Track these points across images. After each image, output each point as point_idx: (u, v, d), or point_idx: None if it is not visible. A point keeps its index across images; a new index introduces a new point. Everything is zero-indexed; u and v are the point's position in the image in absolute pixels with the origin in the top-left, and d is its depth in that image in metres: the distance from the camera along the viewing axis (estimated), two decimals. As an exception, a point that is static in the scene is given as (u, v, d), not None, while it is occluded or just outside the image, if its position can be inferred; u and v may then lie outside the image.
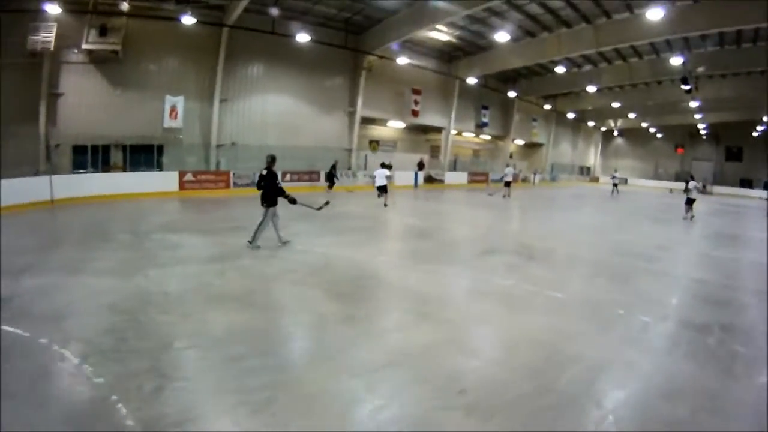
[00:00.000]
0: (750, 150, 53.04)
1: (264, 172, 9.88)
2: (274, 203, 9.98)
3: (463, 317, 6.54)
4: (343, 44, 26.34)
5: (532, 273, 9.15)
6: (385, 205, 19.16)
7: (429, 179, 32.08)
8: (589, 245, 13.07)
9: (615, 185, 37.51)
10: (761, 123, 46.01)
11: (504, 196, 26.05)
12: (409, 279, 8.29)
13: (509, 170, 27.90)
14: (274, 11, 23.07)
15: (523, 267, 9.75)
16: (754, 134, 49.93)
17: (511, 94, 37.55)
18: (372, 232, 13.66)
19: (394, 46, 27.16)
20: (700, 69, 28.54)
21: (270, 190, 9.88)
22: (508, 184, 27.06)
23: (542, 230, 15.84)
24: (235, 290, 7.17)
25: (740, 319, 6.98)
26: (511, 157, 44.13)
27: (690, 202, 20.27)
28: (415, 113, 32.66)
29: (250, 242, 10.03)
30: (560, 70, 31.71)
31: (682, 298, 8.30)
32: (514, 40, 27.60)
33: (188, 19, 19.76)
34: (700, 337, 6.14)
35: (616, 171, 42.53)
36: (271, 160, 9.98)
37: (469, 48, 30.96)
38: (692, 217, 20.29)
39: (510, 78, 38.28)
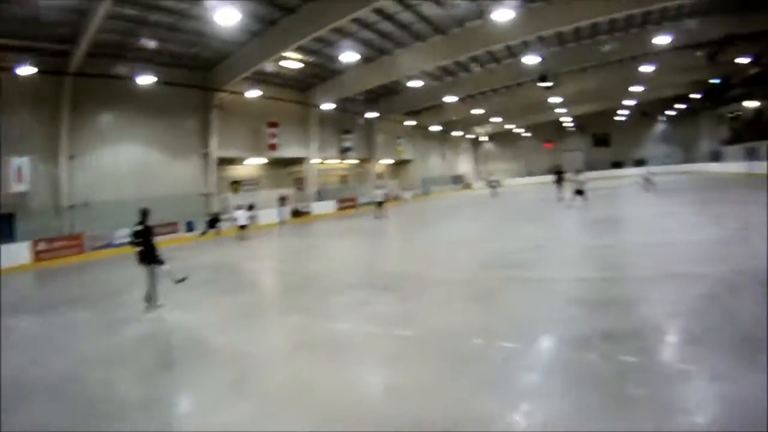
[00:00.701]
0: (616, 135, 63.63)
1: (138, 228, 9.52)
2: (154, 260, 9.54)
3: (276, 385, 5.75)
4: (191, 83, 26.59)
5: (380, 310, 8.50)
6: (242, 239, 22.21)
7: (296, 213, 32.63)
8: (456, 262, 12.71)
9: (493, 188, 41.46)
10: (622, 108, 55.33)
11: (375, 218, 27.58)
12: (233, 341, 7.41)
13: (379, 191, 29.66)
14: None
15: (373, 303, 9.04)
16: (616, 119, 59.90)
17: (371, 115, 39.22)
18: (214, 285, 12.45)
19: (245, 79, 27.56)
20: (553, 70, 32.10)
21: (148, 246, 9.48)
22: (380, 204, 28.65)
23: (409, 251, 16.13)
24: None
25: (627, 320, 6.68)
26: (381, 177, 46.56)
27: (579, 192, 23.34)
28: (273, 147, 33.10)
29: (148, 305, 9.46)
30: (417, 84, 33.00)
31: (556, 306, 7.73)
32: (368, 59, 28.87)
33: (26, 70, 18.80)
34: (578, 355, 5.62)
35: (491, 175, 46.64)
36: (144, 213, 9.65)
37: (323, 73, 31.91)
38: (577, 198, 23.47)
39: (370, 99, 39.85)
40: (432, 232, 21.27)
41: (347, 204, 38.05)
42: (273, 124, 32.95)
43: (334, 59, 27.92)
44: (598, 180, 44.39)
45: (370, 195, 36.48)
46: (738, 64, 34.26)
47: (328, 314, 8.65)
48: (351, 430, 4.45)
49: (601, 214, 20.05)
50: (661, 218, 17.40)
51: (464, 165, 67.64)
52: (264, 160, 35.13)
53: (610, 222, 17.99)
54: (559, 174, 31.82)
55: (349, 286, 10.76)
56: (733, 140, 47.46)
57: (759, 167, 34.75)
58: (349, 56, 25.11)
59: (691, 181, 38.84)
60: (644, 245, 12.36)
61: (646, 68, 34.31)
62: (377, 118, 41.03)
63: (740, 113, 48.11)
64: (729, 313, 6.63)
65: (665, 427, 4.03)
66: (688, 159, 57.29)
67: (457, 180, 62.90)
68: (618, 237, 14.76)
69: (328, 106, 33.42)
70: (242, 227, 23.46)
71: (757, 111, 45.40)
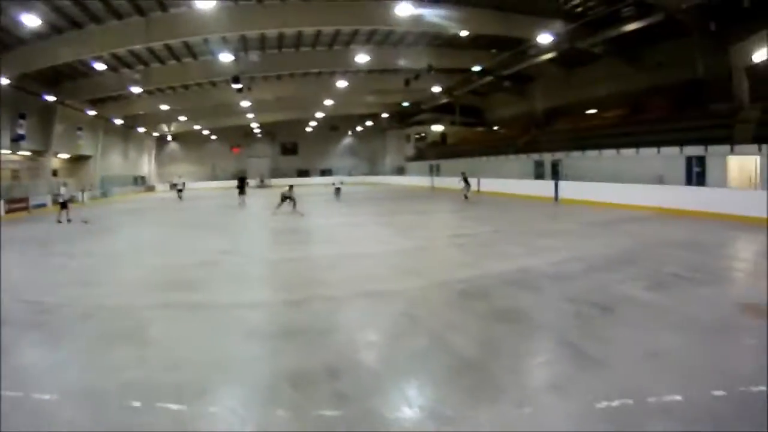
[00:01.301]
0: (304, 144, 67.84)
1: None
2: None
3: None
4: None
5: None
6: None
7: None
8: (114, 283, 10.17)
9: (180, 191, 39.84)
10: (313, 119, 59.06)
11: (59, 221, 23.17)
12: None
13: (64, 189, 25.41)
14: None
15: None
16: (308, 129, 63.76)
17: (51, 98, 33.70)
18: None
19: None
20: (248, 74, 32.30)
21: None
22: (64, 205, 24.05)
23: (66, 271, 12.00)
24: None
25: (319, 356, 5.56)
26: (55, 174, 40.83)
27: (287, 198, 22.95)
28: None
29: None
30: (101, 67, 29.87)
31: (231, 343, 6.28)
32: (57, 30, 25.21)
33: None
34: (264, 416, 4.40)
35: (180, 177, 44.66)
36: None
37: (7, 39, 25.82)
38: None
39: (51, 79, 33.83)
40: (107, 242, 17.82)
41: (18, 206, 30.69)
42: None
43: (19, 23, 22.56)
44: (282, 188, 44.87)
45: (52, 195, 32.21)
46: (430, 92, 40.77)
47: None
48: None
49: (289, 224, 19.42)
50: (351, 228, 17.87)
51: (147, 165, 63.86)
52: None
53: (298, 232, 17.48)
54: (242, 180, 33.16)
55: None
56: (416, 157, 55.42)
57: (440, 182, 40.36)
58: (36, 22, 21.08)
59: (379, 192, 41.89)
60: (334, 257, 11.85)
61: (342, 83, 37.14)
62: (58, 102, 35.37)
63: (424, 134, 56.96)
64: (433, 335, 6.11)
65: None
66: (373, 171, 63.78)
67: (140, 181, 59.40)
68: (305, 249, 13.65)
69: (5, 81, 27.56)
70: None
71: (441, 134, 55.15)
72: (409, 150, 58.91)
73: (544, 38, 24.52)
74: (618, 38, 26.55)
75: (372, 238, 14.89)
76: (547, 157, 30.98)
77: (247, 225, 21.56)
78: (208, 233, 18.58)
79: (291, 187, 23.86)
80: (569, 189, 24.44)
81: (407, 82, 34.63)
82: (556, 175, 28.66)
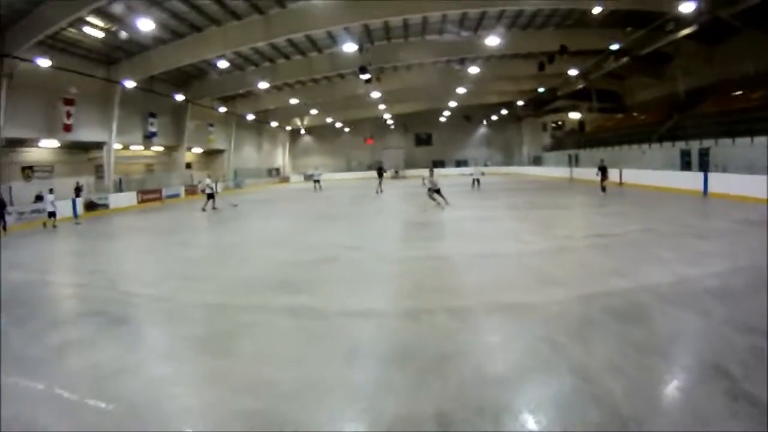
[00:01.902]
0: (438, 134, 67.18)
1: None
2: None
3: None
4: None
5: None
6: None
7: (91, 206, 28.14)
8: (222, 280, 9.75)
9: (316, 182, 40.70)
10: (446, 109, 58.55)
11: (203, 210, 25.32)
12: None
13: (209, 181, 27.03)
14: None
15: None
16: (441, 120, 62.90)
17: (180, 97, 36.15)
18: None
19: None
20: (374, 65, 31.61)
21: None
22: (211, 195, 25.99)
23: (184, 262, 12.16)
24: None
25: (449, 391, 4.66)
26: (189, 167, 43.95)
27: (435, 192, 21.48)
28: (67, 128, 28.65)
29: None
30: (224, 65, 31.13)
31: (332, 363, 5.44)
32: (178, 35, 26.91)
33: None
34: None
35: (317, 168, 46.24)
36: None
37: (129, 47, 28.32)
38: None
39: (181, 81, 37.02)
40: (231, 232, 18.06)
41: (150, 196, 34.26)
42: (69, 101, 28.59)
43: (140, 32, 24.54)
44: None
45: (176, 187, 35.89)
46: (565, 76, 38.52)
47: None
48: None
49: (423, 217, 18.76)
50: (486, 223, 16.45)
51: (281, 158, 66.43)
52: (57, 143, 30.77)
53: (430, 226, 16.70)
54: (380, 170, 37.18)
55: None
56: (554, 147, 52.61)
57: (579, 173, 37.90)
58: (150, 26, 22.25)
59: (515, 183, 40.19)
60: (466, 257, 10.89)
61: (473, 69, 35.97)
62: (187, 102, 38.15)
63: (561, 123, 53.87)
64: (582, 373, 4.89)
65: None
66: (509, 162, 61.95)
67: (274, 173, 61.71)
68: (436, 246, 12.58)
69: (131, 84, 29.70)
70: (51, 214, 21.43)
71: (579, 122, 51.67)
72: (546, 139, 56.14)
73: (687, 6, 21.79)
74: (758, 7, 23.16)
75: (508, 236, 13.70)
76: (694, 145, 27.88)
77: (379, 216, 20.94)
78: (336, 225, 18.45)
79: (432, 171, 22.17)
80: (718, 182, 21.54)
81: (541, 66, 32.53)
82: (704, 166, 25.46)
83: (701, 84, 35.11)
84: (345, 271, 10.21)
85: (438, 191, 21.34)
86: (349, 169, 66.82)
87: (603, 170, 25.70)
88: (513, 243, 12.40)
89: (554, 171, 45.28)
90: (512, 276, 9.01)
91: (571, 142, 47.89)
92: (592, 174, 28.63)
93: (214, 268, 11.22)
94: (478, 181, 32.06)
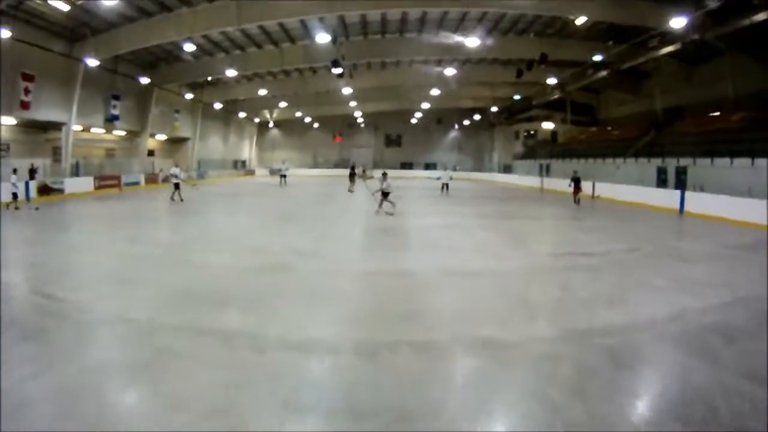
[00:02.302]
0: (408, 136, 66.82)
1: None
2: None
3: None
4: None
5: None
6: None
7: (45, 189, 25.90)
8: (134, 297, 7.90)
9: (283, 176, 39.25)
10: (418, 110, 57.30)
11: (172, 199, 23.96)
12: None
13: (176, 170, 25.42)
14: None
15: None
16: (412, 121, 62.44)
17: (145, 80, 34.27)
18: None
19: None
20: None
21: None
22: (177, 185, 24.36)
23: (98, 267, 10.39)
24: None
25: None
26: (152, 154, 42.47)
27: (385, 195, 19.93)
28: (25, 105, 26.81)
29: None
30: (190, 48, 28.88)
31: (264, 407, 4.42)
32: (147, 14, 25.82)
33: None
34: None
35: (284, 162, 44.60)
36: None
37: (97, 23, 26.68)
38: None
39: (148, 63, 35.54)
40: (190, 227, 17.05)
41: (108, 182, 31.98)
42: (28, 77, 26.85)
43: (106, 5, 23.54)
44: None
45: (136, 175, 34.54)
46: (542, 85, 38.82)
47: None
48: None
49: (388, 223, 17.40)
50: (456, 233, 15.23)
51: (248, 150, 65.35)
52: (14, 121, 28.73)
53: (396, 233, 15.22)
54: (352, 169, 36.44)
55: None
56: (525, 155, 52.48)
57: (550, 183, 36.99)
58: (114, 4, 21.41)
59: (485, 190, 39.53)
60: (434, 273, 9.66)
61: (450, 71, 35.05)
62: (153, 86, 36.54)
63: (534, 132, 54.03)
64: None
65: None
66: (478, 168, 61.36)
67: (240, 165, 60.64)
68: (402, 259, 11.19)
69: (95, 62, 27.83)
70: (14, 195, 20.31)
71: (552, 132, 52.14)
72: (518, 147, 55.72)
73: (677, 22, 21.12)
74: (744, 31, 22.85)
75: (481, 249, 12.64)
76: (670, 163, 27.51)
77: (341, 219, 19.50)
78: (293, 225, 17.08)
79: (385, 174, 20.97)
80: (695, 201, 21.04)
81: (519, 73, 31.78)
82: (681, 184, 25.22)
83: (679, 103, 35.27)
84: (295, 284, 8.81)
85: (387, 195, 19.90)
86: (315, 165, 65.92)
87: (576, 182, 24.88)
88: (487, 259, 11.30)
89: (524, 180, 44.73)
90: (488, 302, 7.78)
91: (543, 152, 47.70)
92: (563, 185, 28.33)
93: (155, 270, 9.84)
94: (447, 186, 30.85)
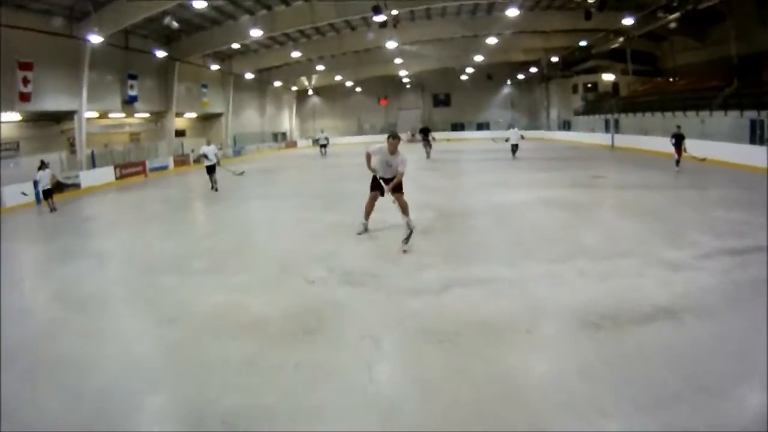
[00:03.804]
0: (457, 95, 61.16)
1: None
2: None
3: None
4: None
5: None
6: None
7: (57, 187, 21.85)
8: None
9: (323, 146, 38.33)
10: (468, 66, 53.17)
11: (213, 188, 19.96)
12: None
13: (210, 149, 20.67)
14: None
15: None
16: (462, 78, 57.37)
17: (162, 54, 31.32)
18: None
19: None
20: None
21: None
22: (211, 169, 20.09)
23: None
24: None
25: None
26: (183, 134, 39.84)
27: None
28: (25, 97, 23.75)
29: None
30: (201, 4, 24.86)
31: None
32: None
33: None
34: None
35: (322, 131, 41.83)
36: None
37: None
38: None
39: (164, 36, 32.18)
40: (203, 226, 14.03)
41: (132, 171, 29.01)
42: (26, 66, 23.62)
43: None
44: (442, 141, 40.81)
45: (162, 159, 31.29)
46: (603, 31, 35.62)
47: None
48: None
49: (455, 201, 13.71)
50: (575, 214, 11.34)
51: (288, 121, 61.98)
52: (18, 117, 25.90)
53: (474, 217, 11.35)
54: (424, 132, 32.08)
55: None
56: (587, 110, 46.97)
57: (622, 140, 32.79)
58: None
59: (553, 149, 35.42)
60: (574, 323, 5.43)
61: (511, 12, 30.05)
62: (173, 59, 33.37)
63: (594, 84, 48.52)
64: None
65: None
66: (534, 126, 55.55)
67: (280, 137, 57.48)
68: (470, 268, 7.56)
69: (99, 39, 24.81)
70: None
71: (612, 85, 46.48)
72: (576, 102, 50.19)
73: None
74: None
75: (630, 251, 8.14)
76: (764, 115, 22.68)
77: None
78: (327, 214, 12.92)
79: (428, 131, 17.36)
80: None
81: (588, 15, 27.47)
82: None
83: (757, 49, 29.32)
84: (330, 361, 4.76)
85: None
86: (360, 132, 61.56)
87: (679, 139, 19.64)
88: (655, 271, 7.07)
89: (588, 137, 40.48)
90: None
91: (607, 107, 42.42)
92: (636, 141, 26.59)
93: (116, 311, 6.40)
94: (516, 147, 26.73)
